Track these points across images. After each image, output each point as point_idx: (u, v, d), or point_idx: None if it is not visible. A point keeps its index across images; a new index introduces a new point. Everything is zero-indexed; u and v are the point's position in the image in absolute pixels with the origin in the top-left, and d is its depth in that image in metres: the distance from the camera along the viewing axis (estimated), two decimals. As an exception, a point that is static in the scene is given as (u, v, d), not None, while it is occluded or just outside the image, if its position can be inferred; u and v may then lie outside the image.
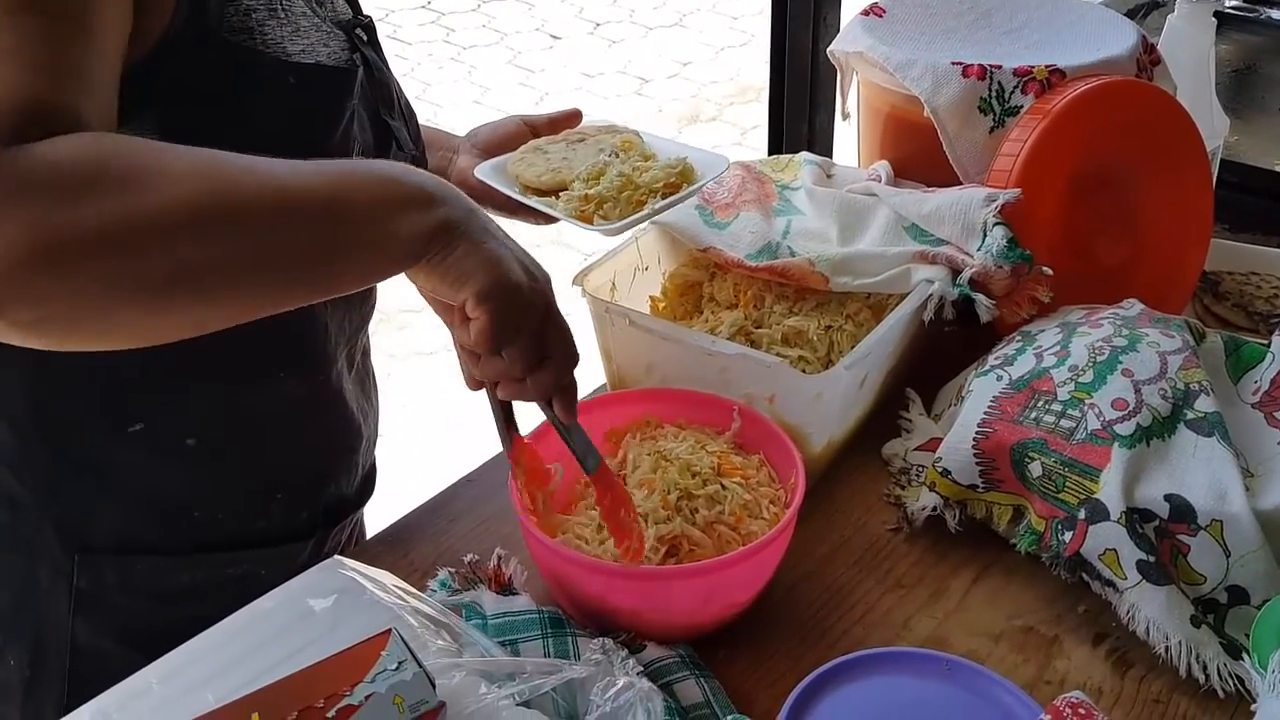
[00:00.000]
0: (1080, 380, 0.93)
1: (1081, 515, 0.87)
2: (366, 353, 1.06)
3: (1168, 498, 0.85)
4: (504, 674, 0.71)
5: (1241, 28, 1.57)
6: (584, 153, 1.03)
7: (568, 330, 0.76)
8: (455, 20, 5.46)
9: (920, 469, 1.00)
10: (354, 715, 0.63)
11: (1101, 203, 1.13)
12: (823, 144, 1.71)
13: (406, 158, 0.95)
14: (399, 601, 0.76)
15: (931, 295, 1.03)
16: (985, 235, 1.04)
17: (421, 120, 1.03)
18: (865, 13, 1.27)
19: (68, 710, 0.90)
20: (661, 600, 0.83)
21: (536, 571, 0.88)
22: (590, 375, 1.14)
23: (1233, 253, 1.28)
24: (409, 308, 3.28)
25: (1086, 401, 0.91)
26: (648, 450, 0.93)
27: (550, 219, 1.00)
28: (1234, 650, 0.82)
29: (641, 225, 1.03)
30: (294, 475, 0.97)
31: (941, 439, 0.97)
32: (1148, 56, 1.20)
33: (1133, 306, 1.02)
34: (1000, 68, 1.13)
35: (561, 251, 3.54)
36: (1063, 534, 0.88)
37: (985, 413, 0.94)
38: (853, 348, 0.99)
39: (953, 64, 1.14)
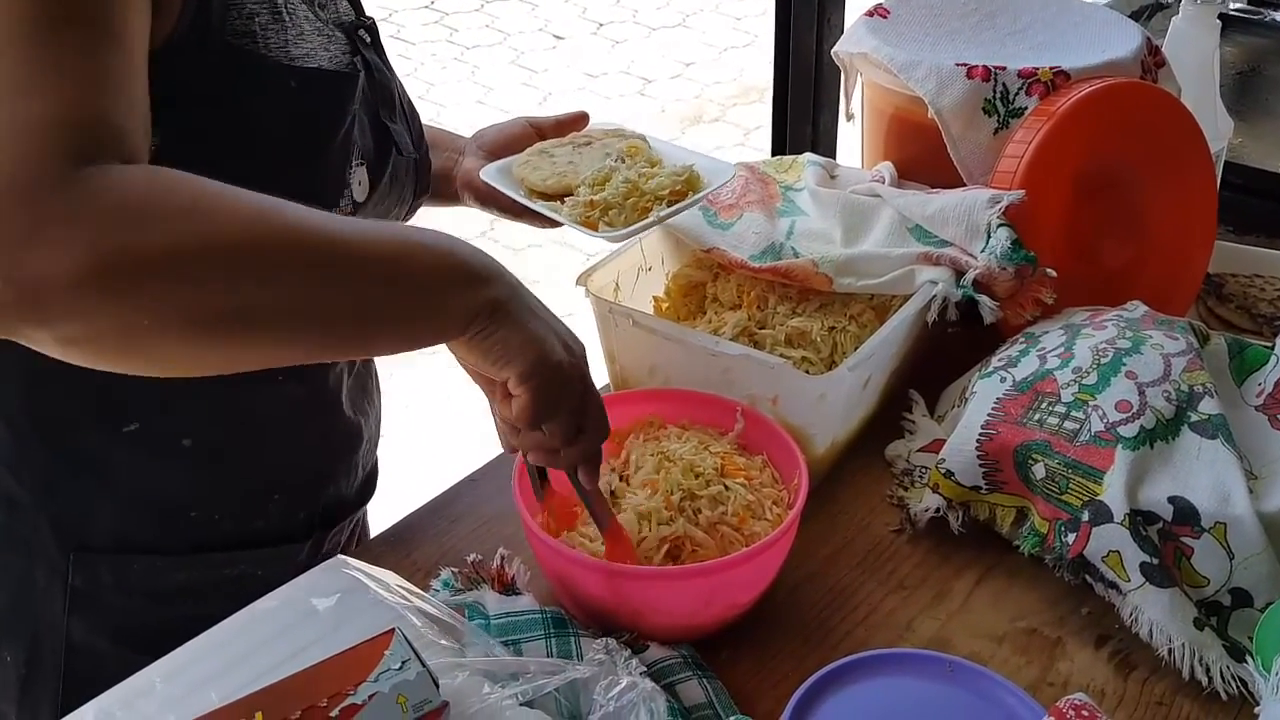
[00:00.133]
0: (1084, 382, 0.93)
1: (1085, 517, 0.87)
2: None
3: (1171, 500, 0.85)
4: (507, 674, 0.71)
5: (1246, 30, 1.58)
6: (590, 157, 1.03)
7: (602, 403, 0.79)
8: (458, 20, 5.46)
9: (923, 470, 1.00)
10: (357, 715, 0.63)
11: (1105, 204, 1.13)
12: (826, 145, 1.71)
13: (407, 161, 0.95)
14: (402, 601, 0.76)
15: (935, 296, 1.03)
16: (989, 237, 1.04)
17: (425, 121, 1.03)
18: (869, 14, 1.27)
19: (64, 708, 0.91)
20: (664, 601, 0.83)
21: (539, 571, 0.88)
22: (594, 376, 1.14)
23: (1237, 255, 1.28)
24: (411, 307, 3.27)
25: (1090, 403, 0.91)
26: (651, 451, 0.93)
27: (554, 223, 1.00)
28: (1237, 653, 0.82)
29: None
30: (292, 476, 0.97)
31: (945, 440, 0.97)
32: (1152, 58, 1.20)
33: (1136, 308, 1.02)
34: (1005, 69, 1.13)
35: (564, 251, 3.54)
36: (1066, 536, 0.88)
37: (989, 414, 0.94)
38: (856, 349, 0.99)
39: (957, 65, 1.14)
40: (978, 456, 0.93)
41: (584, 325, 0.97)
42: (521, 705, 0.68)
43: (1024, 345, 1.02)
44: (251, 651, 0.73)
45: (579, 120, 1.09)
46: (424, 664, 0.66)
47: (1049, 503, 0.90)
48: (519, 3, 5.63)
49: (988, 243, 1.04)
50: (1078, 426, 0.90)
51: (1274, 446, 0.91)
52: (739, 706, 0.80)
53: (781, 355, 1.02)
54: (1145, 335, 0.96)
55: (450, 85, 4.85)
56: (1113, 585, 0.86)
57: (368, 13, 0.95)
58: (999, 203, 1.05)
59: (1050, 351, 0.98)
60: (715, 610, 0.84)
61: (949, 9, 1.28)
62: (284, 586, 0.79)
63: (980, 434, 0.93)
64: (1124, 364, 0.93)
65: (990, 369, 1.00)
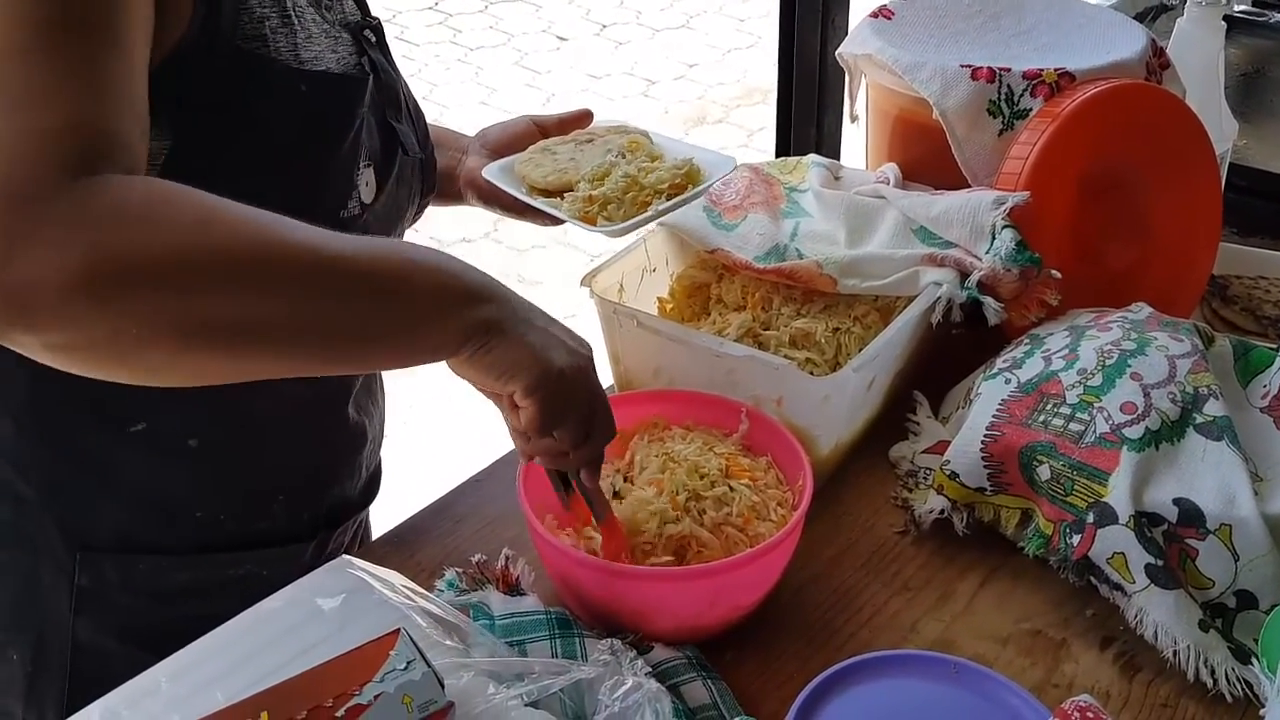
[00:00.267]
0: (1089, 384, 0.93)
1: (1090, 519, 0.87)
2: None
3: (1176, 502, 0.85)
4: (512, 674, 0.71)
5: (1250, 31, 1.57)
6: (592, 153, 1.03)
7: (608, 404, 0.80)
8: (462, 21, 5.46)
9: (928, 472, 1.00)
10: (363, 715, 0.63)
11: (1110, 206, 1.13)
12: (830, 146, 1.70)
13: (413, 162, 0.95)
14: (407, 601, 0.76)
15: (939, 298, 1.03)
16: (994, 238, 1.04)
17: (429, 121, 1.03)
18: (874, 15, 1.27)
19: (69, 707, 0.91)
20: (669, 601, 0.83)
21: (544, 572, 0.88)
22: (599, 376, 1.14)
23: (1241, 256, 1.28)
24: (415, 308, 3.27)
25: (1095, 405, 0.91)
26: (655, 452, 0.93)
27: (556, 220, 1.00)
28: (1242, 655, 0.82)
29: (649, 226, 1.03)
30: (297, 477, 0.97)
31: (949, 442, 0.97)
32: (1157, 60, 1.20)
33: (1141, 310, 1.02)
34: (1009, 70, 1.13)
35: (568, 252, 3.54)
36: (1071, 537, 0.88)
37: (993, 416, 0.94)
38: (860, 350, 0.99)
39: (962, 66, 1.14)
40: (982, 458, 0.93)
41: (588, 326, 0.97)
42: (526, 706, 0.68)
43: (1029, 347, 1.01)
44: (257, 651, 0.73)
45: (582, 118, 1.09)
46: (429, 664, 0.66)
47: (1054, 504, 0.90)
48: (523, 4, 5.64)
49: (992, 244, 1.04)
50: (1083, 428, 0.90)
51: (1279, 448, 0.91)
52: (743, 708, 0.80)
53: (786, 356, 1.01)
54: (1150, 337, 0.96)
55: (454, 86, 4.85)
56: (1118, 587, 0.86)
57: (373, 14, 0.95)
58: (1004, 204, 1.05)
59: (1055, 353, 0.98)
60: (720, 611, 0.84)
61: (954, 10, 1.28)
62: (289, 587, 0.79)
63: (985, 435, 0.93)
64: (1129, 365, 0.93)
65: (995, 370, 1.00)
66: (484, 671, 0.70)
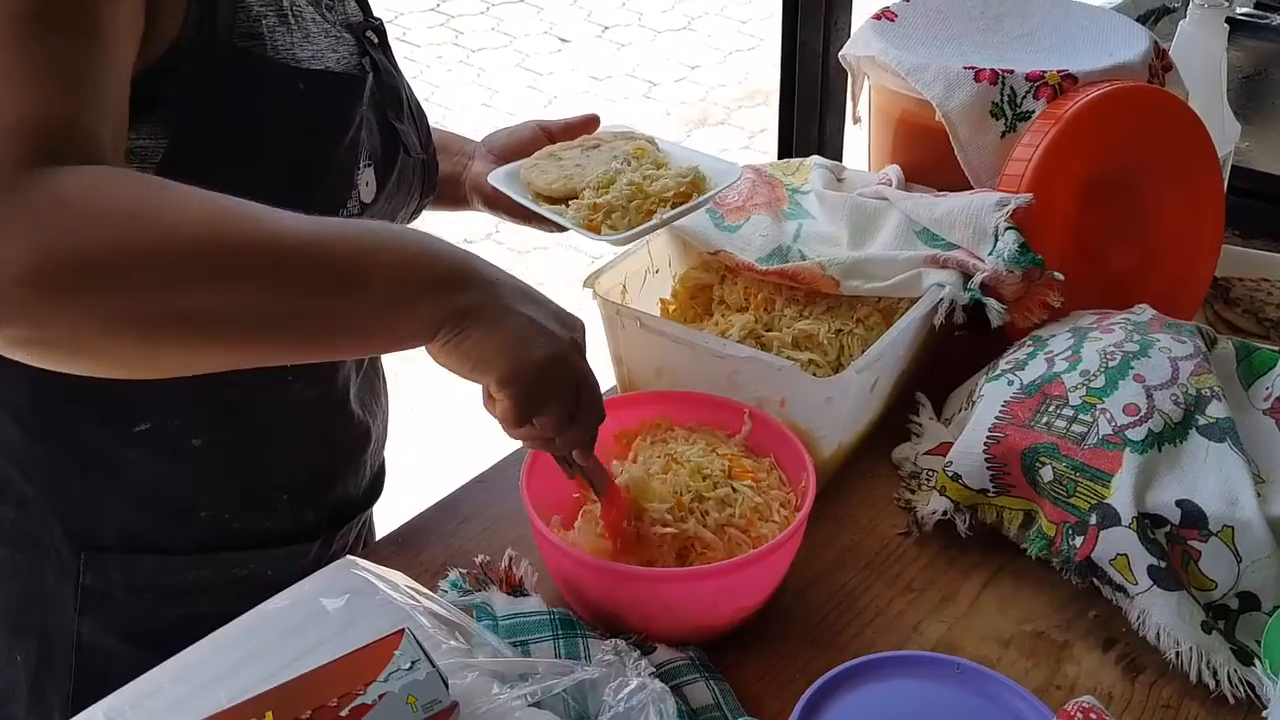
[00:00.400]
0: (1092, 385, 0.93)
1: (1093, 520, 0.87)
2: (377, 355, 1.06)
3: (1179, 503, 0.85)
4: (516, 674, 0.71)
5: (1253, 34, 1.57)
6: (598, 159, 1.03)
7: (595, 388, 0.78)
8: (464, 23, 5.47)
9: (930, 473, 1.00)
10: (367, 714, 0.63)
11: (1113, 208, 1.13)
12: (833, 148, 1.71)
13: (415, 162, 0.95)
14: (411, 602, 0.76)
15: (942, 299, 1.03)
16: (997, 240, 1.04)
17: (434, 124, 1.03)
18: (877, 17, 1.27)
19: (73, 707, 0.91)
20: (671, 602, 0.83)
21: (547, 573, 0.88)
22: (600, 377, 1.14)
23: (1244, 259, 1.28)
24: (417, 309, 3.27)
25: (1098, 406, 0.91)
26: (659, 453, 0.93)
27: (562, 227, 1.00)
28: (1245, 656, 0.82)
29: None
30: (300, 476, 0.98)
31: (952, 443, 0.97)
32: (1160, 62, 1.20)
33: (1144, 312, 1.02)
34: (1012, 72, 1.13)
35: (570, 254, 3.54)
36: (1074, 539, 0.88)
37: (996, 417, 0.94)
38: (863, 352, 0.99)
39: (965, 68, 1.14)
40: (985, 459, 0.93)
41: (591, 327, 0.97)
42: (530, 706, 0.68)
43: (1031, 348, 1.02)
44: (261, 651, 0.73)
45: (589, 123, 1.09)
46: (434, 664, 0.66)
47: (1056, 505, 0.90)
48: (525, 6, 5.64)
49: (995, 246, 1.04)
50: (1085, 429, 0.90)
51: (1282, 450, 0.91)
52: (746, 708, 0.80)
53: (788, 358, 1.02)
54: (1153, 339, 0.96)
55: (456, 87, 4.85)
56: (1120, 588, 0.86)
57: (375, 15, 0.95)
58: (1006, 206, 1.05)
59: (1058, 355, 0.98)
60: (723, 612, 0.84)
61: (956, 12, 1.28)
62: (293, 587, 0.80)
63: (988, 437, 0.93)
64: (1132, 367, 0.93)
65: (998, 372, 1.00)
66: (488, 671, 0.70)
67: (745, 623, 0.86)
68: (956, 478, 0.94)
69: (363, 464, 1.04)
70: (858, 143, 1.44)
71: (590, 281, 1.06)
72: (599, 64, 5.08)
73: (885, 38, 1.22)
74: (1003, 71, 1.14)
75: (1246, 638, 0.84)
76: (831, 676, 0.75)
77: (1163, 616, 0.83)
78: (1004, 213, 1.05)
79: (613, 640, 0.78)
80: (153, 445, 0.88)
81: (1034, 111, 1.13)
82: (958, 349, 1.12)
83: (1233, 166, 1.32)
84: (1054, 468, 0.90)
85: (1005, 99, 1.13)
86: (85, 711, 0.73)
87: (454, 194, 1.10)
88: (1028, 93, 1.13)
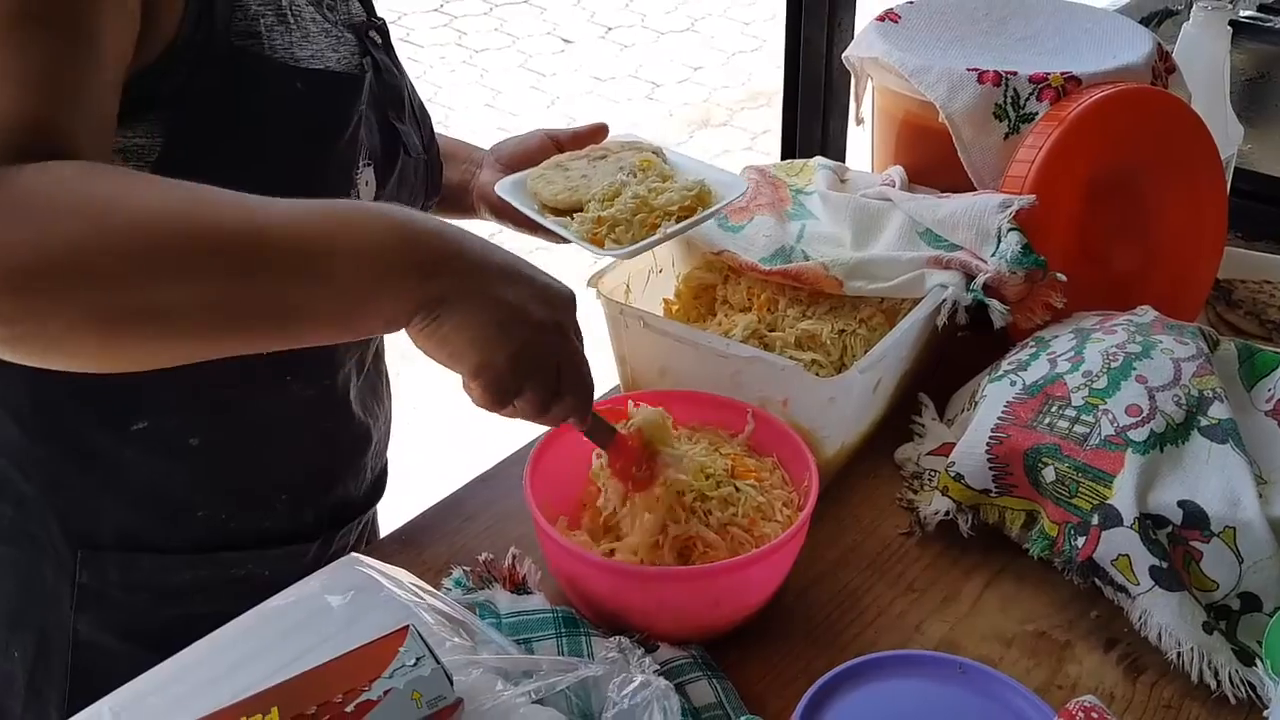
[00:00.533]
0: (1094, 386, 0.93)
1: (1095, 521, 0.87)
2: (379, 355, 1.06)
3: (1181, 504, 0.85)
4: (520, 672, 0.71)
5: (1256, 36, 1.57)
6: (604, 170, 1.02)
7: (580, 364, 0.76)
8: (468, 24, 5.47)
9: (933, 473, 1.00)
10: (373, 710, 0.63)
11: (1116, 209, 1.13)
12: (835, 149, 1.71)
13: (416, 163, 0.95)
14: (415, 599, 0.76)
15: (945, 300, 1.03)
16: (999, 241, 1.04)
17: (443, 131, 1.03)
18: (880, 18, 1.28)
19: (69, 703, 0.91)
20: (674, 601, 0.83)
21: (550, 571, 0.88)
22: (604, 377, 1.14)
23: (1246, 261, 1.28)
24: (419, 309, 3.27)
25: (1100, 407, 0.91)
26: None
27: (566, 239, 1.00)
28: (1246, 657, 0.83)
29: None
30: (299, 477, 0.98)
31: (954, 444, 0.97)
32: (1163, 64, 1.21)
33: (1146, 313, 1.03)
34: (1016, 74, 1.14)
35: (574, 254, 3.54)
36: (1076, 539, 0.88)
37: (999, 418, 0.94)
38: (866, 352, 1.00)
39: (968, 70, 1.15)
40: (988, 459, 0.93)
41: (594, 327, 0.97)
42: (534, 703, 0.69)
43: (1034, 349, 1.02)
44: (266, 648, 0.73)
45: (597, 133, 1.09)
46: (438, 661, 0.67)
47: (1059, 506, 0.90)
48: (528, 6, 5.64)
49: (998, 247, 1.04)
50: (1088, 430, 0.91)
51: (1284, 451, 0.91)
52: (748, 707, 0.80)
53: (791, 358, 1.02)
54: (1155, 340, 0.97)
55: (459, 88, 4.86)
56: (1122, 589, 0.86)
57: (378, 15, 0.95)
58: (1009, 207, 1.05)
59: (1060, 355, 0.98)
60: (725, 611, 0.85)
61: (960, 14, 1.28)
62: (297, 584, 0.80)
63: (990, 437, 0.94)
64: (1134, 368, 0.93)
65: (1000, 372, 1.00)
66: (492, 668, 0.70)
67: (748, 622, 0.86)
68: (959, 478, 0.94)
69: (363, 465, 1.04)
70: (861, 144, 1.44)
71: (594, 281, 1.06)
72: (602, 65, 5.08)
73: (889, 39, 1.23)
74: (1006, 73, 1.14)
75: (1248, 638, 0.84)
76: (834, 675, 0.75)
77: (1164, 617, 0.83)
78: (1007, 214, 1.05)
79: (616, 638, 0.78)
80: (150, 444, 0.88)
81: (1037, 113, 1.13)
82: (960, 350, 1.12)
83: (1235, 169, 1.32)
84: (1056, 468, 0.90)
85: (1008, 100, 1.14)
86: (90, 708, 0.73)
87: (462, 202, 1.10)
88: (1031, 94, 1.13)
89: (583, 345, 0.76)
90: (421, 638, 0.68)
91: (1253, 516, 0.84)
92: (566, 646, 0.80)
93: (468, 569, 0.89)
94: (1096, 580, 0.88)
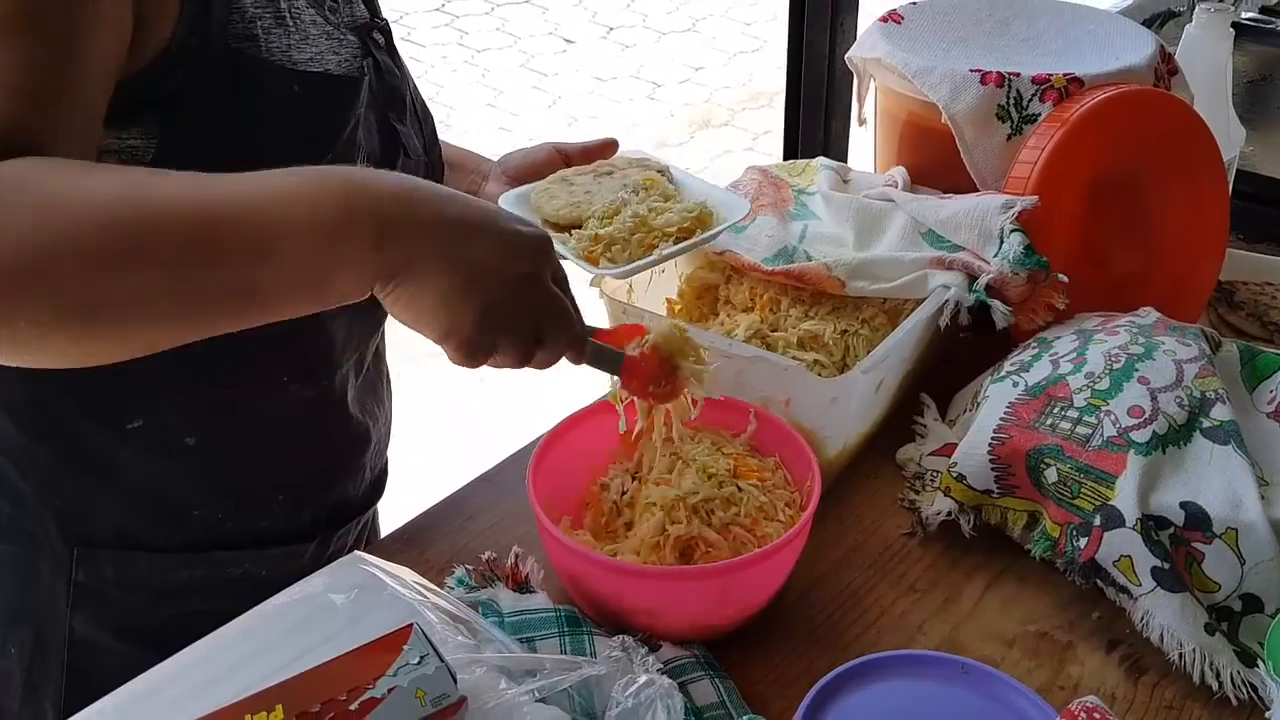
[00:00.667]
0: (1096, 387, 0.93)
1: (1097, 521, 0.87)
2: (380, 356, 1.06)
3: (1183, 505, 0.85)
4: (523, 670, 0.71)
5: (1258, 38, 1.57)
6: (609, 187, 1.02)
7: (562, 309, 0.72)
8: (469, 23, 5.48)
9: (934, 474, 1.00)
10: (377, 708, 0.63)
11: (1118, 211, 1.14)
12: (838, 149, 1.71)
13: (416, 164, 0.95)
14: (419, 597, 0.76)
15: (947, 301, 1.03)
16: (1002, 242, 1.05)
17: (436, 122, 1.03)
18: (883, 19, 1.28)
19: (66, 701, 0.91)
20: (676, 601, 0.83)
21: (553, 570, 0.88)
22: (608, 377, 1.14)
23: (1248, 262, 1.28)
24: (420, 309, 3.27)
25: (1103, 408, 0.92)
26: (664, 451, 0.93)
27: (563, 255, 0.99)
28: (1248, 658, 0.83)
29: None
30: (297, 477, 0.97)
31: (956, 444, 0.97)
32: (1165, 66, 1.21)
33: (1149, 315, 1.03)
34: (1019, 75, 1.14)
35: (573, 254, 3.54)
36: (1078, 540, 0.88)
37: (1001, 418, 0.95)
38: (868, 352, 1.00)
39: (971, 71, 1.15)
40: (990, 460, 0.93)
41: (598, 325, 0.97)
42: (537, 701, 0.69)
43: (1036, 350, 1.02)
44: (270, 646, 0.73)
45: (606, 148, 1.08)
46: (442, 659, 0.67)
47: (1061, 507, 0.90)
48: (530, 6, 5.65)
49: (1000, 248, 1.04)
50: (1090, 431, 0.91)
51: (1285, 453, 0.91)
52: (751, 707, 0.80)
53: (794, 358, 1.02)
54: (1157, 341, 0.97)
55: (461, 88, 4.86)
56: (1124, 590, 0.86)
57: (382, 15, 0.95)
58: (1012, 208, 1.05)
59: (1063, 356, 0.98)
60: (727, 611, 0.85)
61: (963, 15, 1.29)
62: (301, 582, 0.80)
63: (992, 438, 0.94)
64: (1136, 369, 0.94)
65: (1003, 373, 1.01)
66: (495, 667, 0.70)
67: (750, 621, 0.87)
68: (961, 478, 0.94)
69: (362, 465, 1.04)
70: (863, 144, 1.45)
71: (597, 280, 1.06)
72: (603, 65, 5.08)
73: (892, 40, 1.23)
74: (1009, 74, 1.14)
75: (1249, 639, 0.84)
76: (836, 675, 0.75)
77: (1166, 618, 0.83)
78: (1009, 215, 1.05)
79: (619, 637, 0.78)
80: (146, 443, 0.88)
81: (1040, 114, 1.13)
82: (962, 350, 1.12)
83: (1237, 171, 1.32)
84: (1058, 469, 0.90)
85: (1011, 102, 1.14)
86: (92, 706, 0.73)
87: None
88: (1034, 96, 1.14)
89: (565, 286, 0.74)
90: (426, 636, 0.68)
91: (1255, 518, 0.84)
92: (569, 645, 0.80)
93: (470, 568, 0.89)
94: (1098, 581, 0.88)
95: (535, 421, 1.02)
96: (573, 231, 0.98)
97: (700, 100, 4.78)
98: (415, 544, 0.97)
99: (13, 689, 0.94)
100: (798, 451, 0.92)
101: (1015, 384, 0.98)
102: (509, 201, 1.02)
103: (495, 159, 1.12)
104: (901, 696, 0.76)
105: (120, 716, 0.71)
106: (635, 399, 0.85)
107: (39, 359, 0.64)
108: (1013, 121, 1.14)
